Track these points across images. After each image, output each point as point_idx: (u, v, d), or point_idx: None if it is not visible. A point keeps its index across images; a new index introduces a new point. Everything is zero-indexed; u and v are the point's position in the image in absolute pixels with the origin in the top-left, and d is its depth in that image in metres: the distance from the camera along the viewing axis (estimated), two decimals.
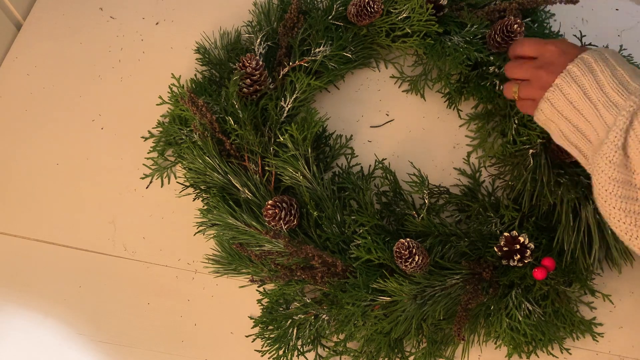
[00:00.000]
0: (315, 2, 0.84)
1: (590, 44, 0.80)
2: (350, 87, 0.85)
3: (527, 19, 0.81)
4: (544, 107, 0.63)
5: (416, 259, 0.65)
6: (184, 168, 0.77)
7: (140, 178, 0.79)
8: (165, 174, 0.79)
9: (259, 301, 0.72)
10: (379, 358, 0.68)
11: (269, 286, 0.72)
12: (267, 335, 0.70)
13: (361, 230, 0.70)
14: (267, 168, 0.74)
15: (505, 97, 0.70)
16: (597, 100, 0.57)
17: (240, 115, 0.74)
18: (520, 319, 0.66)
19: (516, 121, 0.75)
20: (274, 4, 0.84)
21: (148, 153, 0.80)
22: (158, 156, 0.80)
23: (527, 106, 0.67)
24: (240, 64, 0.74)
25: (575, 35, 0.82)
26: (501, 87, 0.77)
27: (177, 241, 0.76)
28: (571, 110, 0.60)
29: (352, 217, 0.71)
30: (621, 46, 0.80)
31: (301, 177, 0.72)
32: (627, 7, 0.89)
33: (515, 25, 0.75)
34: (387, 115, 0.83)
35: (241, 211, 0.71)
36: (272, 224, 0.69)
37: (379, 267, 0.69)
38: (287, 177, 0.73)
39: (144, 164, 0.80)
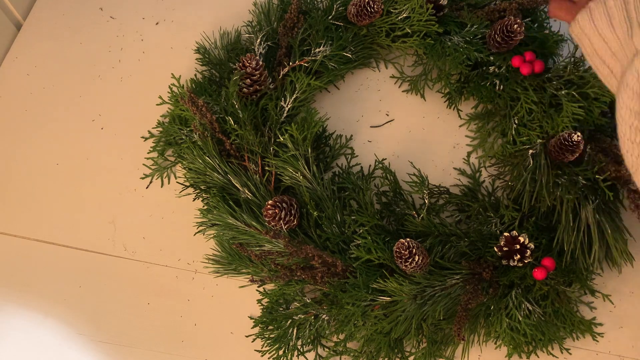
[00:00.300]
0: (315, 2, 0.84)
1: None
2: (350, 87, 0.85)
3: (527, 19, 0.81)
4: (582, 19, 0.59)
5: (416, 259, 0.65)
6: (184, 168, 0.77)
7: (140, 178, 0.79)
8: (165, 174, 0.79)
9: (259, 301, 0.72)
10: (379, 358, 0.68)
11: (269, 286, 0.72)
12: (267, 335, 0.70)
13: (361, 230, 0.70)
14: (267, 168, 0.74)
15: None
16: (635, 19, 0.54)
17: (240, 115, 0.74)
18: (520, 319, 0.66)
19: (516, 121, 0.75)
20: (274, 4, 0.84)
21: (148, 153, 0.80)
22: (158, 156, 0.80)
23: (564, 9, 0.62)
24: (240, 64, 0.74)
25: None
26: (501, 86, 0.77)
27: (177, 241, 0.76)
28: (608, 27, 0.56)
29: (352, 217, 0.71)
30: None
31: (301, 177, 0.72)
32: None
33: (515, 25, 0.75)
34: (387, 115, 0.83)
35: (241, 211, 0.71)
36: (272, 224, 0.69)
37: (379, 267, 0.69)
38: (287, 177, 0.73)
39: (144, 164, 0.80)
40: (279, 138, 0.74)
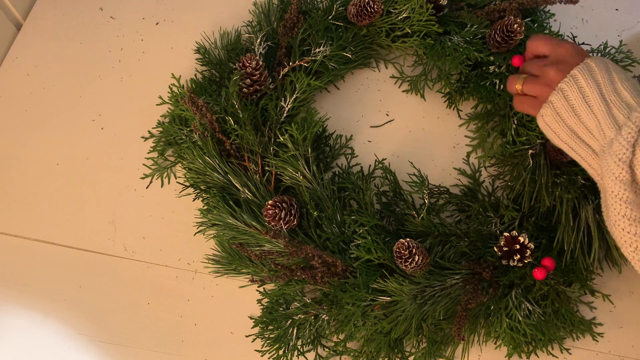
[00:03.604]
0: (315, 2, 0.84)
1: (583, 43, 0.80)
2: (350, 87, 0.85)
3: (527, 19, 0.81)
4: (545, 112, 0.63)
5: (416, 259, 0.65)
6: (184, 168, 0.77)
7: (140, 178, 0.79)
8: (165, 174, 0.79)
9: (259, 301, 0.72)
10: (379, 358, 0.68)
11: (269, 286, 0.72)
12: (267, 335, 0.70)
13: (361, 230, 0.70)
14: (267, 168, 0.74)
15: (508, 90, 0.70)
16: (598, 110, 0.58)
17: (240, 115, 0.74)
18: (520, 319, 0.66)
19: (515, 121, 0.75)
20: (274, 4, 0.84)
21: (148, 153, 0.80)
22: (158, 156, 0.80)
23: (526, 104, 0.66)
24: (240, 64, 0.74)
25: (572, 34, 0.82)
26: (501, 86, 0.77)
27: (177, 241, 0.76)
28: (572, 117, 0.60)
29: (352, 217, 0.71)
30: (621, 41, 0.79)
31: (301, 177, 0.72)
32: (627, 7, 0.89)
33: (515, 25, 0.75)
34: (387, 115, 0.83)
35: (241, 211, 0.71)
36: (272, 224, 0.69)
37: (379, 267, 0.69)
38: (287, 177, 0.73)
39: (144, 164, 0.80)
40: (279, 138, 0.74)
